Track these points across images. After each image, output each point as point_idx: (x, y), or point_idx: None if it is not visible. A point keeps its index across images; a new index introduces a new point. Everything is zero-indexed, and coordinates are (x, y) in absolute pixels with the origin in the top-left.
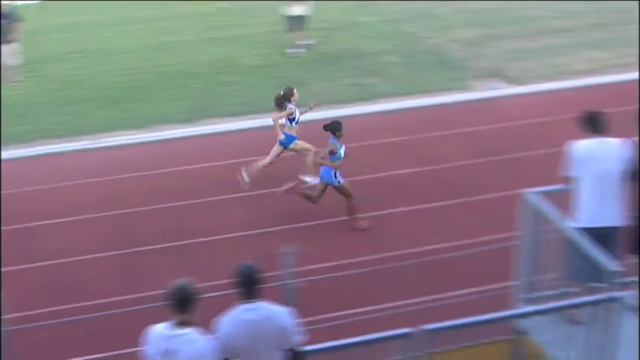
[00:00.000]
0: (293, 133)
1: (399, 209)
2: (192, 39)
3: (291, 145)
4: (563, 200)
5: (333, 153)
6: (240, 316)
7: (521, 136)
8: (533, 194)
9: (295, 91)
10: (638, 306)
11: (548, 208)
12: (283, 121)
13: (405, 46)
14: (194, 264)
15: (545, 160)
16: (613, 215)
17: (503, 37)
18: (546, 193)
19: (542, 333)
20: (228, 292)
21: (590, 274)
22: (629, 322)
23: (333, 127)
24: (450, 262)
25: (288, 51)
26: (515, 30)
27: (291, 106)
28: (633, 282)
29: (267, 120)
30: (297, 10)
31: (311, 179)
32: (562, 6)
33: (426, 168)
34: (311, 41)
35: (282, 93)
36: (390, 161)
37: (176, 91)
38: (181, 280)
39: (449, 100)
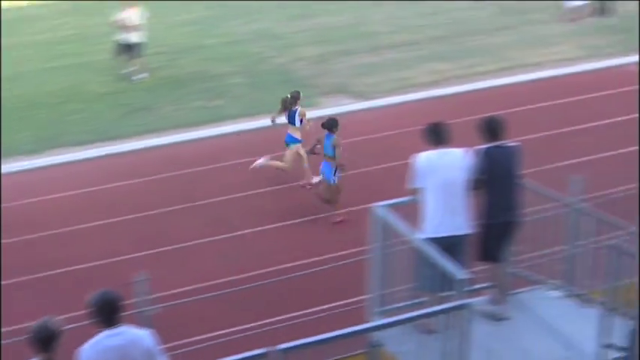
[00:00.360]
0: (297, 135)
1: (253, 229)
2: (35, 68)
3: (292, 146)
4: (414, 211)
5: (337, 147)
6: (103, 342)
7: (369, 151)
8: (380, 208)
9: (301, 93)
10: None
11: (395, 221)
12: (285, 120)
13: (251, 67)
14: (51, 296)
15: (394, 172)
16: (459, 224)
17: (347, 54)
18: (395, 206)
19: (397, 344)
20: (88, 322)
21: (440, 283)
22: (480, 328)
23: (330, 124)
24: (307, 279)
25: (134, 77)
26: (360, 45)
27: (300, 109)
28: (482, 288)
29: (115, 147)
30: (132, 37)
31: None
32: (403, 21)
33: (277, 187)
34: (135, 67)
35: (288, 96)
36: (240, 183)
37: (21, 122)
38: (44, 319)
39: None
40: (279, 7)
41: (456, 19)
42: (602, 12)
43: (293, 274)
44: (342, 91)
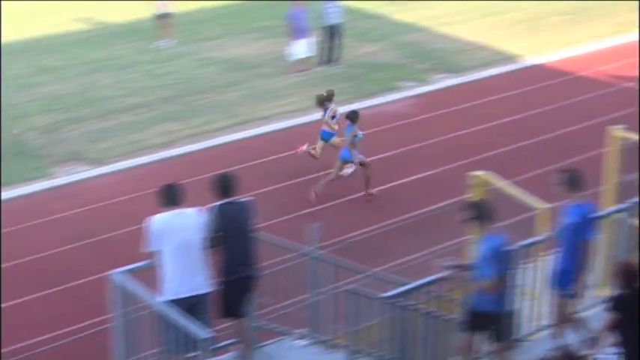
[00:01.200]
0: (329, 129)
1: None
2: None
3: (331, 141)
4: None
5: (355, 136)
6: None
7: (108, 217)
8: (118, 274)
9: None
10: None
11: (134, 287)
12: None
13: None
14: None
15: (134, 237)
16: (198, 284)
17: (79, 120)
18: (135, 271)
19: None
20: None
21: (184, 344)
22: None
23: (352, 116)
24: (50, 354)
25: None
26: (90, 111)
27: (333, 106)
28: (228, 345)
29: None
30: None
31: (350, 169)
32: (132, 84)
33: (14, 262)
34: None
35: (324, 94)
36: None
37: None
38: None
39: (31, 191)
40: (6, 77)
41: (186, 78)
42: (328, 61)
43: (39, 349)
44: (75, 158)
